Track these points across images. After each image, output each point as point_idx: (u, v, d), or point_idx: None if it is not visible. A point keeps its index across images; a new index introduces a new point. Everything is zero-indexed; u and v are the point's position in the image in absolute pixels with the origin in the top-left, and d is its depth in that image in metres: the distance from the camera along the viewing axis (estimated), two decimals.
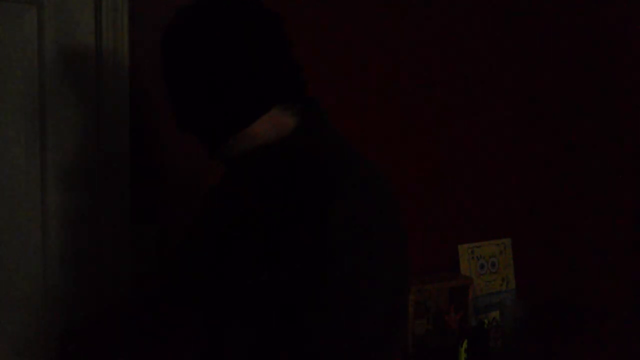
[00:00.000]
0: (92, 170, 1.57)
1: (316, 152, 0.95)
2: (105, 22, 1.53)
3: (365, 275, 0.83)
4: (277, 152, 0.97)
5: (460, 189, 2.29)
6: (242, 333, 0.89)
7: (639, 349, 2.77)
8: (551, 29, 2.49)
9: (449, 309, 2.12)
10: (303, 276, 0.83)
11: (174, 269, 1.04)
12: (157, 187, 1.67)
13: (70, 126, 1.53)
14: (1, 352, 1.49)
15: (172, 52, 0.96)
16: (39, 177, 1.51)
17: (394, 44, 2.06)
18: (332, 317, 0.81)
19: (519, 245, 2.46)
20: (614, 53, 2.70)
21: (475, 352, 2.02)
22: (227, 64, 0.93)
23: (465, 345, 1.95)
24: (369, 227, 0.85)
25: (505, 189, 2.42)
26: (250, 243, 0.93)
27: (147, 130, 1.63)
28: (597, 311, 2.54)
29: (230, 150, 1.00)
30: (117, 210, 1.59)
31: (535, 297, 2.48)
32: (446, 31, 2.19)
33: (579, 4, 2.55)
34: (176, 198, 1.67)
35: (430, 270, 2.22)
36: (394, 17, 2.05)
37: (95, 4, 1.53)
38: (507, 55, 2.37)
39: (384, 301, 0.85)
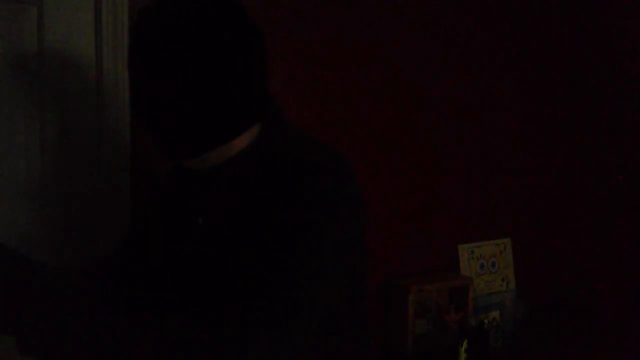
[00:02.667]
0: (92, 169, 1.57)
1: (285, 151, 1.05)
2: (105, 22, 1.53)
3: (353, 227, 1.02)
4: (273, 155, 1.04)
5: (460, 189, 2.29)
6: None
7: (639, 348, 2.77)
8: (552, 28, 2.49)
9: (449, 309, 2.12)
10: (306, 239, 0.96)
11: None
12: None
13: (70, 126, 1.53)
14: (1, 352, 1.49)
15: (187, 50, 0.95)
16: (38, 177, 1.51)
17: (394, 43, 2.06)
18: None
19: (519, 245, 2.46)
20: (616, 52, 2.70)
21: (475, 352, 2.02)
22: (240, 69, 0.98)
23: (465, 345, 1.95)
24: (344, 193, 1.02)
25: (505, 189, 2.42)
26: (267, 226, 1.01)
27: None
28: (597, 311, 2.54)
29: (211, 156, 1.03)
30: (117, 210, 1.59)
31: (535, 297, 2.48)
32: (446, 30, 2.19)
33: (580, 3, 2.55)
34: None
35: (430, 270, 2.23)
36: (393, 15, 2.05)
37: (95, 3, 1.53)
38: (508, 55, 2.37)
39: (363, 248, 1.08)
